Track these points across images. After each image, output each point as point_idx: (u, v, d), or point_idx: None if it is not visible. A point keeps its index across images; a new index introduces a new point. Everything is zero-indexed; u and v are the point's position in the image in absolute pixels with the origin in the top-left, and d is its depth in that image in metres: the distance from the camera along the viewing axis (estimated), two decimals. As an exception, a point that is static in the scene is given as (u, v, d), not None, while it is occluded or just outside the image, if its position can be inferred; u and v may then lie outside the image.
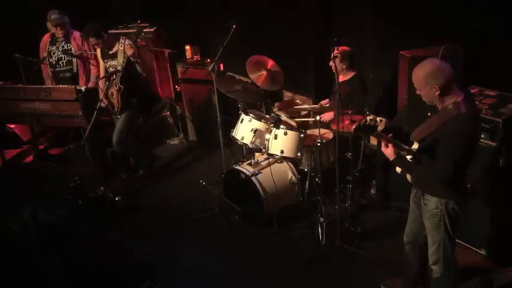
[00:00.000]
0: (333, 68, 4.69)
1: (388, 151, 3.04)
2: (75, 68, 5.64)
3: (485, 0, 4.21)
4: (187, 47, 6.25)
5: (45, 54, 5.67)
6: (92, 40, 4.93)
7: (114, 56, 4.96)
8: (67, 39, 5.61)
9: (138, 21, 6.40)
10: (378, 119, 3.05)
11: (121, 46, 4.90)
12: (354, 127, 3.00)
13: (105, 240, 4.33)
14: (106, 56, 5.03)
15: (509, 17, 4.08)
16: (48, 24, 5.57)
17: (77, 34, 5.60)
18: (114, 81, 4.98)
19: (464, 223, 3.25)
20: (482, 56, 4.18)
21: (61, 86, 5.29)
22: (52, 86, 5.27)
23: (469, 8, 4.35)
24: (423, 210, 3.18)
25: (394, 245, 4.20)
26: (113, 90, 5.05)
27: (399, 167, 3.15)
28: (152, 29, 6.46)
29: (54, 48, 5.65)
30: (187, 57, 6.29)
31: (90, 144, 5.22)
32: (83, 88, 5.26)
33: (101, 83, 5.17)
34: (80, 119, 5.23)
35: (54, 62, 5.66)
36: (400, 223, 4.47)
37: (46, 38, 5.73)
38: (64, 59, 5.63)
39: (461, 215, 3.11)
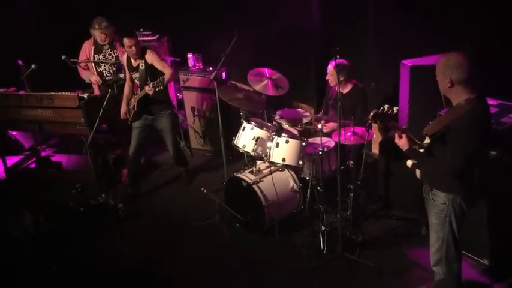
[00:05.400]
0: (330, 82, 4.75)
1: (402, 142, 3.13)
2: (123, 75, 5.55)
3: (487, 10, 4.24)
4: (190, 55, 6.28)
5: (91, 60, 5.60)
6: (135, 39, 4.86)
7: (137, 69, 4.97)
8: (112, 46, 5.56)
9: (141, 29, 6.43)
10: (395, 108, 3.10)
11: (142, 66, 4.94)
12: (371, 114, 3.09)
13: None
14: (131, 69, 5.06)
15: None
16: (96, 32, 5.46)
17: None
18: (135, 91, 5.07)
19: (466, 232, 3.25)
20: (483, 64, 4.18)
21: (64, 93, 5.30)
22: (54, 94, 5.27)
23: (471, 17, 4.37)
24: (431, 206, 3.22)
25: (395, 254, 4.22)
26: (132, 98, 5.10)
27: (411, 157, 3.21)
28: (155, 37, 6.48)
29: (100, 56, 5.59)
30: (190, 65, 6.32)
31: (92, 152, 5.24)
32: (85, 96, 5.28)
33: (127, 90, 5.21)
34: (82, 126, 5.24)
35: (104, 71, 5.63)
36: (401, 232, 4.51)
37: (88, 45, 5.65)
38: (115, 67, 5.58)
39: (468, 212, 3.14)
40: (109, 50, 5.58)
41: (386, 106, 3.07)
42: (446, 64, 2.95)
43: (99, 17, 5.46)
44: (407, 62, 4.44)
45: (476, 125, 2.90)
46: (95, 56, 5.62)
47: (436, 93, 3.17)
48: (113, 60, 5.56)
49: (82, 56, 5.68)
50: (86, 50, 5.66)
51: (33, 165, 6.32)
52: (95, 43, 5.60)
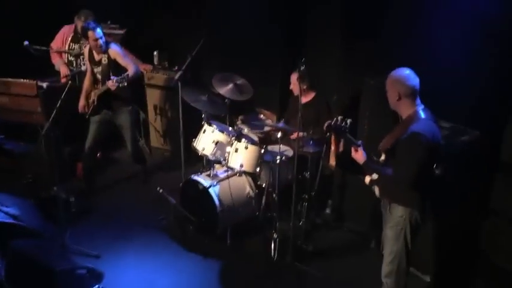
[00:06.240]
0: (294, 91, 4.81)
1: (358, 155, 3.25)
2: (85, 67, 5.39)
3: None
4: (156, 53, 6.22)
5: (65, 50, 5.54)
6: (96, 34, 4.74)
7: (100, 63, 4.88)
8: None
9: (108, 22, 6.32)
10: (348, 120, 3.17)
11: (104, 61, 4.85)
12: (325, 125, 3.18)
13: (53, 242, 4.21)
14: (93, 62, 4.96)
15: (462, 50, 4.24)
16: (79, 23, 5.28)
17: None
18: (96, 85, 5.00)
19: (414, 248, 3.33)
20: (440, 87, 4.30)
21: (22, 80, 5.15)
22: (12, 80, 5.12)
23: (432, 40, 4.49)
24: (388, 219, 3.31)
25: (344, 264, 4.32)
26: (93, 92, 5.00)
27: (368, 170, 3.30)
28: (122, 31, 6.37)
29: (76, 46, 5.49)
30: (155, 63, 6.26)
31: (46, 142, 5.11)
32: (44, 85, 5.14)
33: (87, 83, 5.10)
34: (38, 115, 5.11)
35: (74, 61, 5.55)
36: (351, 244, 4.61)
37: (68, 31, 5.55)
38: (83, 59, 5.41)
39: (421, 226, 3.25)
40: (86, 42, 5.45)
41: (339, 118, 3.15)
42: (395, 78, 3.15)
43: (87, 10, 5.36)
44: (371, 79, 4.51)
45: (425, 132, 2.99)
46: (71, 43, 5.55)
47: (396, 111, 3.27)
48: (79, 51, 5.45)
49: (57, 40, 5.60)
50: (65, 35, 5.57)
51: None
52: (75, 32, 5.50)
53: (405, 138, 3.03)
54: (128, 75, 4.66)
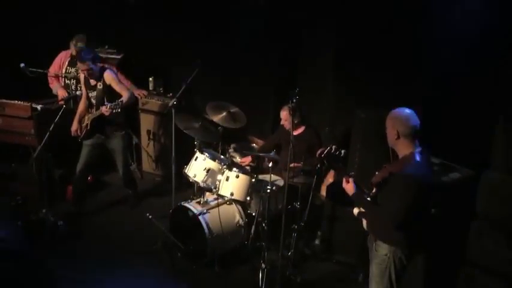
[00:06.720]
0: (286, 126, 4.87)
1: (349, 186, 3.23)
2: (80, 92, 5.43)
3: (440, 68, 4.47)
4: (151, 79, 6.29)
5: (62, 73, 5.64)
6: (87, 65, 4.79)
7: (95, 88, 4.93)
8: None
9: (106, 47, 6.40)
10: (343, 151, 3.19)
11: (99, 86, 4.91)
12: (318, 152, 3.18)
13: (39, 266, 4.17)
14: (88, 87, 5.00)
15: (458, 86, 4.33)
16: (72, 47, 5.48)
17: None
18: (90, 109, 5.04)
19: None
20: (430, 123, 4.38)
21: (17, 102, 5.18)
22: (6, 101, 5.15)
23: (426, 73, 4.58)
24: (373, 256, 3.29)
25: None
26: (86, 116, 5.03)
27: (357, 202, 3.29)
28: (118, 56, 6.44)
29: (73, 70, 5.59)
30: (150, 88, 6.33)
31: (37, 164, 5.11)
32: (38, 107, 5.17)
33: (81, 107, 5.14)
34: (31, 137, 5.12)
35: (72, 85, 5.62)
36: (339, 276, 4.58)
37: (65, 56, 5.67)
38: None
39: (407, 266, 3.23)
40: None
41: (334, 147, 3.18)
42: (395, 116, 3.12)
43: (82, 35, 5.47)
44: (362, 113, 4.57)
45: (418, 176, 3.00)
46: (68, 68, 5.63)
47: (386, 145, 3.29)
48: (76, 74, 5.51)
49: (55, 65, 5.67)
50: (61, 60, 5.66)
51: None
52: (71, 56, 5.60)
53: (397, 179, 3.02)
54: (122, 101, 4.70)
